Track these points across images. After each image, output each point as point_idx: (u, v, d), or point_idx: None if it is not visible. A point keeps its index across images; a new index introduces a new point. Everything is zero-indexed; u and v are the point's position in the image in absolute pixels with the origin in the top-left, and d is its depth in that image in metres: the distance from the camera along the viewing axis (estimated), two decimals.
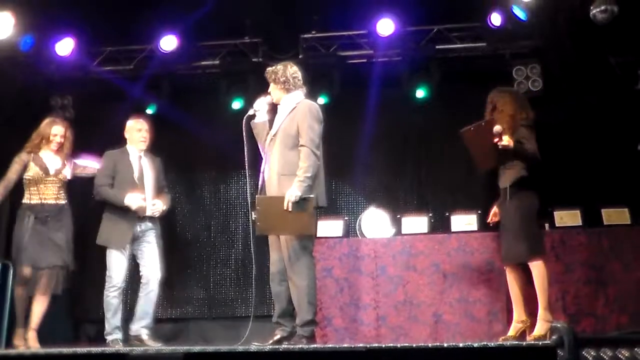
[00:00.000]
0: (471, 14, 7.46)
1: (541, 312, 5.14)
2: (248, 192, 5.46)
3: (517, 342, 4.85)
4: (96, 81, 7.82)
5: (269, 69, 5.20)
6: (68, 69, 7.73)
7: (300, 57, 7.60)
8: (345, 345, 5.33)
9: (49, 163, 5.83)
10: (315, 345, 4.81)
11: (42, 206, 5.74)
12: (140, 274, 5.76)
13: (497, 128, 5.18)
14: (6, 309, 6.84)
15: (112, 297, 5.62)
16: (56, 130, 5.90)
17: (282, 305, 4.98)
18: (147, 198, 5.72)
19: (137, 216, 5.66)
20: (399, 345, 4.36)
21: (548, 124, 7.42)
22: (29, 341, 5.68)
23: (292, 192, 4.77)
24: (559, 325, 3.41)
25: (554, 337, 3.38)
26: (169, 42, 7.54)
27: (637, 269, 5.83)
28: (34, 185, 5.76)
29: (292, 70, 5.12)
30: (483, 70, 7.54)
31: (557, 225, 6.26)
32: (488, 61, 7.61)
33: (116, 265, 5.64)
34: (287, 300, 4.97)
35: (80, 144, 6.14)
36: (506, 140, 5.13)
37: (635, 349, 3.35)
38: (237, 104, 7.66)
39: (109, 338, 5.61)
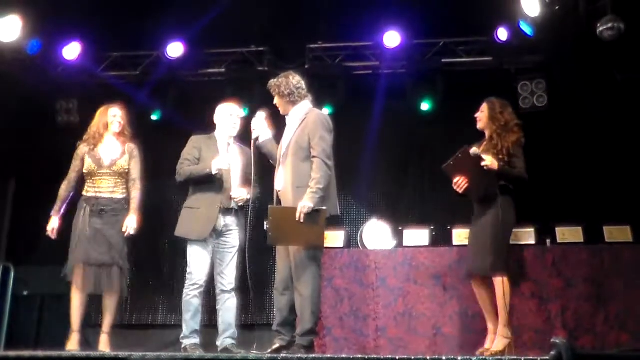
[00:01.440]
0: (478, 28, 7.49)
1: (500, 329, 5.12)
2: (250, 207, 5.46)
3: (515, 357, 4.83)
4: (102, 86, 7.85)
5: (272, 82, 5.14)
6: (74, 73, 7.77)
7: (306, 67, 7.63)
8: (344, 355, 5.32)
9: (105, 154, 5.63)
10: (314, 355, 4.80)
11: (97, 199, 5.52)
12: (216, 282, 5.41)
13: (473, 150, 5.13)
14: (6, 310, 6.88)
15: (192, 296, 5.24)
16: (114, 112, 5.72)
17: (284, 315, 4.96)
18: (233, 187, 5.33)
19: (221, 207, 5.28)
20: (397, 357, 4.34)
21: (552, 140, 7.45)
22: (99, 345, 5.45)
23: (305, 204, 4.75)
24: (558, 341, 3.40)
25: (552, 352, 3.37)
26: (175, 49, 7.59)
27: (638, 287, 5.80)
28: (90, 178, 5.58)
29: (295, 81, 5.09)
30: (488, 85, 7.54)
31: (559, 241, 6.26)
32: (493, 76, 7.62)
33: (197, 259, 5.27)
34: (288, 309, 4.95)
35: None
36: (489, 161, 5.09)
37: None
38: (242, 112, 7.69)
39: (185, 342, 5.23)
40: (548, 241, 6.25)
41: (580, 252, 6.01)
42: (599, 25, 6.35)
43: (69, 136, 6.40)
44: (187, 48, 7.61)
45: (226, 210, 5.34)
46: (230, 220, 5.38)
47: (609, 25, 6.28)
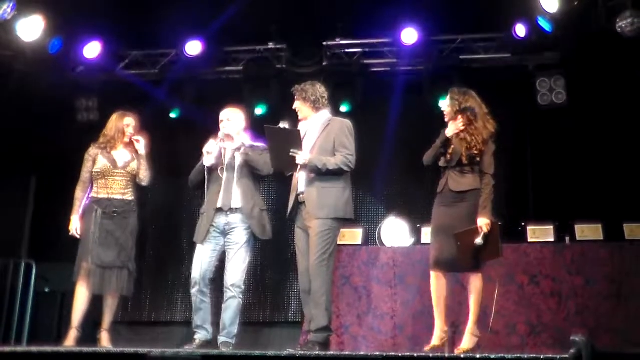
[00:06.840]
0: (496, 24, 7.46)
1: (471, 326, 4.96)
2: None
3: (535, 355, 4.81)
4: (121, 84, 7.93)
5: (298, 86, 5.28)
6: (94, 72, 7.85)
7: (323, 64, 7.64)
8: (362, 353, 5.32)
9: (118, 156, 5.73)
10: (332, 352, 4.82)
11: (110, 201, 5.61)
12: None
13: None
14: (29, 306, 6.97)
15: (192, 294, 5.41)
16: (128, 121, 5.80)
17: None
18: (227, 188, 5.44)
19: (216, 207, 5.39)
20: (415, 354, 4.34)
21: (571, 137, 7.41)
22: (102, 342, 5.54)
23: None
24: (577, 339, 3.38)
25: (572, 350, 3.36)
26: (193, 47, 7.63)
27: None
28: (102, 178, 5.65)
29: (322, 90, 5.26)
30: (506, 82, 7.51)
31: (578, 238, 6.22)
32: (512, 72, 7.59)
33: (195, 259, 5.44)
34: None
35: None
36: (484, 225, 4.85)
37: None
38: (259, 110, 7.72)
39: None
40: (567, 239, 6.22)
41: (599, 250, 5.98)
42: (618, 21, 6.30)
43: (89, 134, 6.45)
44: (205, 46, 7.65)
45: (230, 210, 5.41)
46: (234, 219, 5.43)
47: (629, 21, 6.23)
